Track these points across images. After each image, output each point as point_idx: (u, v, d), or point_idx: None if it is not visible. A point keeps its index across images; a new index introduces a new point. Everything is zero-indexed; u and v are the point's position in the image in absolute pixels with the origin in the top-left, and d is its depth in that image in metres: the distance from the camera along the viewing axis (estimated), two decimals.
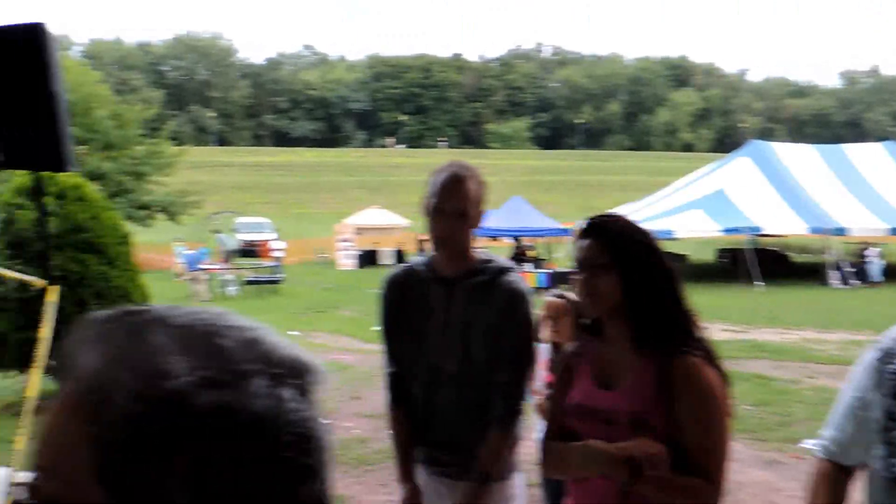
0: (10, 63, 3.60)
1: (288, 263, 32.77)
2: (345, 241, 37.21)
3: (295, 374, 0.77)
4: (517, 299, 2.98)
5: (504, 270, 3.02)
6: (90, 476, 0.70)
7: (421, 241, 37.33)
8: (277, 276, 27.39)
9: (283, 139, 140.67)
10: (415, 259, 3.26)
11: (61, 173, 8.92)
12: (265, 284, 26.31)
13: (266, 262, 32.01)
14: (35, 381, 4.72)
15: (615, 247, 2.41)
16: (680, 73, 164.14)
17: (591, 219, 2.52)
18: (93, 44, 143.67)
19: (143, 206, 36.73)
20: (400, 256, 36.77)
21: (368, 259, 36.20)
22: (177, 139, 48.40)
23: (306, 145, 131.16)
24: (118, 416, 0.69)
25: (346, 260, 36.32)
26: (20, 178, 9.18)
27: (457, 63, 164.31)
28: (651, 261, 2.43)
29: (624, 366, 2.44)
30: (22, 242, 8.84)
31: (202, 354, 0.72)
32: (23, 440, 4.72)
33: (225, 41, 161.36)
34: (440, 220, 2.92)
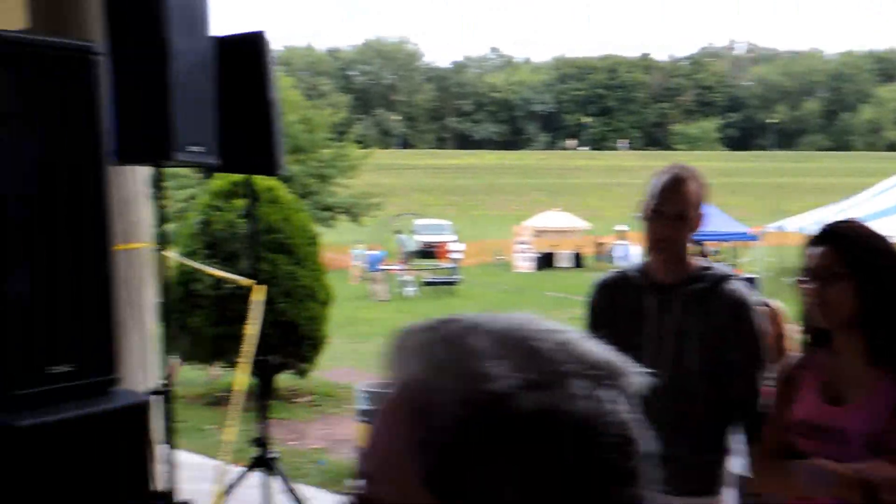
0: (233, 70, 3.96)
1: (465, 265, 33.12)
2: (523, 243, 37.29)
3: (611, 375, 0.77)
4: (742, 309, 2.86)
5: (725, 278, 2.90)
6: (419, 481, 0.72)
7: (599, 245, 37.07)
8: (454, 277, 27.76)
9: (465, 142, 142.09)
10: (627, 264, 3.17)
11: (257, 176, 9.55)
12: (442, 286, 26.69)
13: (444, 264, 32.45)
14: (242, 377, 5.08)
15: (852, 255, 2.28)
16: (888, 67, 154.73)
17: (826, 225, 2.41)
18: (286, 50, 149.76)
19: (327, 208, 37.95)
20: (578, 259, 36.65)
21: (546, 262, 36.15)
22: (362, 142, 49.85)
23: (488, 148, 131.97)
24: (445, 420, 0.71)
25: (524, 262, 36.38)
26: (218, 181, 9.84)
27: (644, 63, 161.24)
28: (891, 269, 2.29)
29: (856, 381, 2.30)
30: (217, 243, 9.48)
31: (521, 357, 0.74)
32: (232, 432, 5.09)
33: (412, 45, 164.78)
34: (658, 223, 2.83)
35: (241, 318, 9.26)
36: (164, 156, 3.42)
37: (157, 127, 3.36)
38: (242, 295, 9.19)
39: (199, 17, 3.63)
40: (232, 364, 10.13)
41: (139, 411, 3.20)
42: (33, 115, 2.94)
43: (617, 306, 3.00)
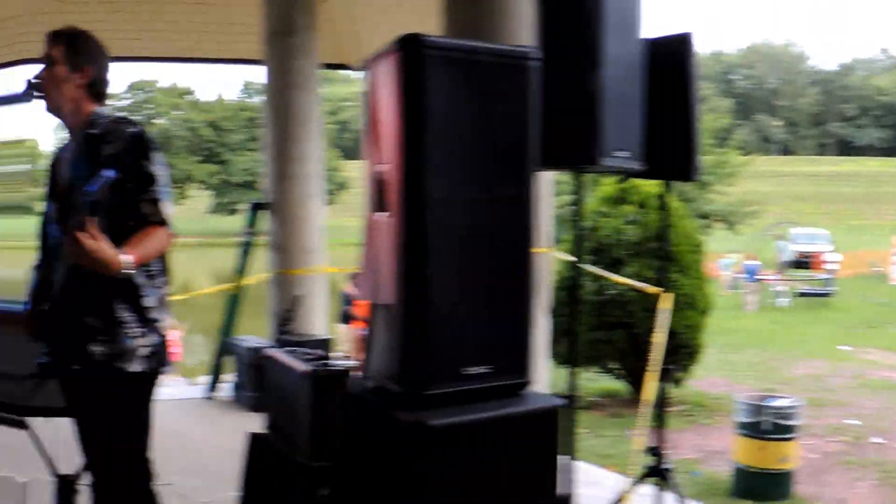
0: (657, 72, 3.77)
1: (840, 276, 30.99)
2: None
3: None
4: None
5: None
6: None
7: None
8: (828, 289, 26.10)
9: (847, 148, 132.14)
10: None
11: (645, 182, 9.39)
12: (816, 297, 25.18)
13: (818, 275, 30.56)
14: (651, 385, 4.93)
15: None
16: None
17: None
18: None
19: (704, 216, 37.23)
20: None
21: None
22: (743, 148, 48.32)
23: (871, 154, 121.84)
24: None
25: None
26: (606, 186, 9.82)
27: None
28: None
29: None
30: (603, 249, 9.42)
31: None
32: (640, 441, 4.95)
33: (797, 48, 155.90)
34: None
35: (619, 324, 9.29)
36: (589, 161, 3.30)
37: (585, 132, 3.25)
38: (622, 301, 9.22)
39: (632, 19, 3.48)
40: (606, 369, 10.13)
41: (550, 415, 3.08)
42: (469, 119, 2.89)
43: None
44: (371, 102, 3.04)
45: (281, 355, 3.66)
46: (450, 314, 2.89)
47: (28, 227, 3.81)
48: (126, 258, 2.65)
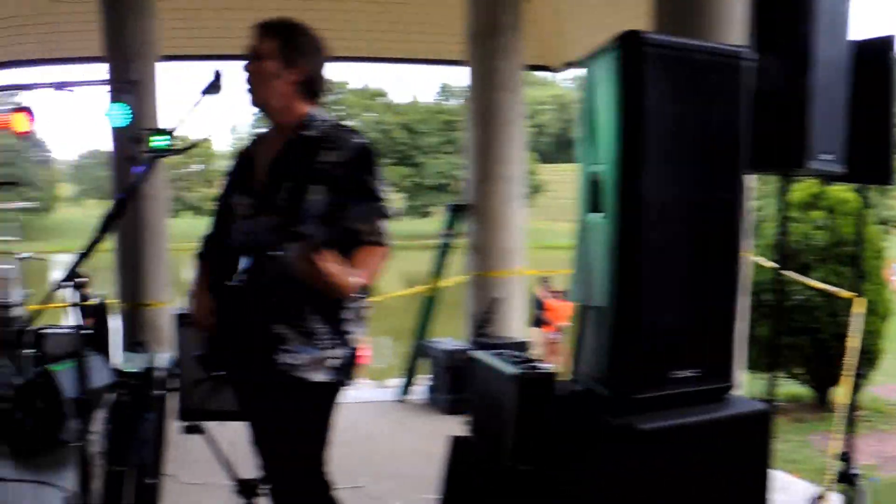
0: (861, 76, 3.56)
1: None
2: None
3: None
4: None
5: None
6: None
7: None
8: None
9: None
10: None
11: (833, 187, 8.99)
12: None
13: None
14: (843, 389, 4.67)
15: None
16: None
17: None
18: None
19: (882, 221, 35.57)
20: None
21: None
22: None
23: None
24: None
25: None
26: (796, 192, 9.43)
27: None
28: None
29: None
30: (791, 254, 9.04)
31: None
32: (834, 447, 4.70)
33: None
34: None
35: (804, 329, 8.90)
36: (797, 164, 3.13)
37: (793, 134, 3.08)
38: (808, 307, 8.83)
39: (842, 20, 3.28)
40: (790, 374, 9.69)
41: (760, 420, 2.94)
42: (685, 119, 2.77)
43: None
44: (587, 101, 2.93)
45: (486, 357, 3.48)
46: (660, 318, 2.78)
47: (199, 228, 3.44)
48: (358, 281, 2.47)
